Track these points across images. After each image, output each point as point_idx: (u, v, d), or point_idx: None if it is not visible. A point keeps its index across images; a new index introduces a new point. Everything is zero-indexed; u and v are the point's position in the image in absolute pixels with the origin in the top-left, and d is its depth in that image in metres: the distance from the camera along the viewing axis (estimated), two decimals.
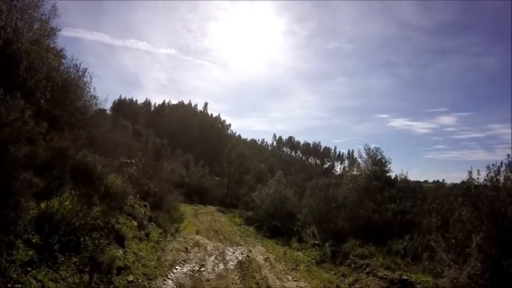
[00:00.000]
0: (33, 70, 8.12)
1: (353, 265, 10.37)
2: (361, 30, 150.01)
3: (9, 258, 4.12)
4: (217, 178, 50.77)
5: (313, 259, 11.95)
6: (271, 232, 18.25)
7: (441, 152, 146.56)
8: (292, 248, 14.43)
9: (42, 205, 5.30)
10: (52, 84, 8.85)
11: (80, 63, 12.21)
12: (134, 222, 8.89)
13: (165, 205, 14.54)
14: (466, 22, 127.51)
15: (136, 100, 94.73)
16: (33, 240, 4.67)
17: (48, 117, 9.55)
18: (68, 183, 6.76)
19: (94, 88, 13.15)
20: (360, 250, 11.23)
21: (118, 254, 6.32)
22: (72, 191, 6.51)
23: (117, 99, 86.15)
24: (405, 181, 15.79)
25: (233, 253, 10.34)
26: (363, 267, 9.87)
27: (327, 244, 13.14)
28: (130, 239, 7.67)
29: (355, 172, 16.94)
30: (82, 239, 5.27)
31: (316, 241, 14.32)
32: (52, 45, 10.06)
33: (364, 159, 15.72)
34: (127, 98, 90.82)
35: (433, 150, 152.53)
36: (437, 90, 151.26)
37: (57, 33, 10.35)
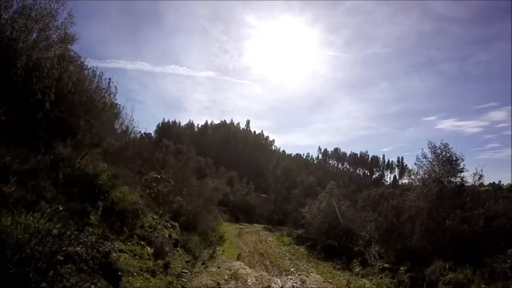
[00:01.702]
0: (36, 70, 7.00)
1: None
2: (396, 31, 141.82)
3: None
4: (263, 195, 48.55)
5: None
6: (326, 253, 15.50)
7: (495, 151, 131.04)
8: (354, 274, 11.65)
9: None
10: (56, 86, 7.64)
11: (102, 72, 11.23)
12: (149, 248, 6.94)
13: (200, 226, 12.63)
14: (502, 6, 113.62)
15: (179, 122, 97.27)
16: None
17: (56, 123, 8.35)
18: (50, 195, 5.06)
19: (114, 94, 12.08)
20: (453, 275, 8.45)
21: None
22: (59, 206, 4.74)
23: (160, 122, 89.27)
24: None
25: (282, 287, 7.94)
26: None
27: (402, 268, 10.26)
28: (135, 274, 5.66)
29: (420, 176, 13.61)
30: (32, 274, 3.33)
31: (385, 264, 11.43)
32: (68, 53, 9.13)
33: (429, 159, 12.58)
34: (170, 121, 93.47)
35: (486, 150, 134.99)
36: (484, 84, 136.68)
37: (74, 40, 9.47)
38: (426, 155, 12.53)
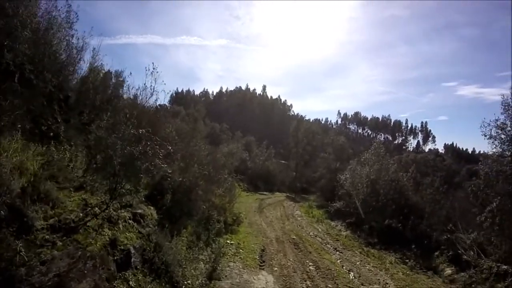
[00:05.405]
0: None
1: None
2: None
3: None
4: (283, 162, 44.21)
5: None
6: (380, 237, 11.16)
7: None
8: (447, 280, 7.28)
9: None
10: None
11: None
12: None
13: (199, 207, 8.17)
14: None
15: (193, 90, 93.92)
16: None
17: None
18: None
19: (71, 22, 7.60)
20: None
21: None
22: None
23: (173, 91, 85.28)
24: None
25: None
26: None
27: None
28: None
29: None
30: None
31: (501, 265, 6.94)
32: None
33: None
34: (184, 90, 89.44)
35: None
36: (507, 50, 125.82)
37: None
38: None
